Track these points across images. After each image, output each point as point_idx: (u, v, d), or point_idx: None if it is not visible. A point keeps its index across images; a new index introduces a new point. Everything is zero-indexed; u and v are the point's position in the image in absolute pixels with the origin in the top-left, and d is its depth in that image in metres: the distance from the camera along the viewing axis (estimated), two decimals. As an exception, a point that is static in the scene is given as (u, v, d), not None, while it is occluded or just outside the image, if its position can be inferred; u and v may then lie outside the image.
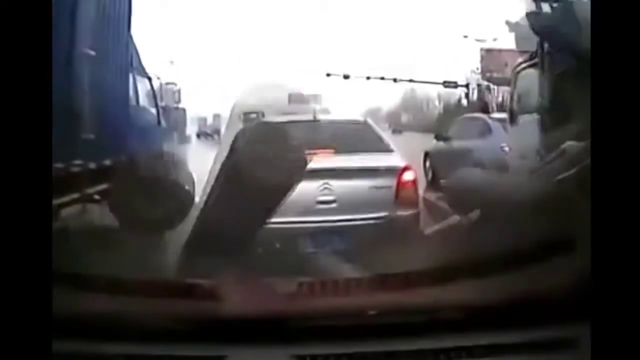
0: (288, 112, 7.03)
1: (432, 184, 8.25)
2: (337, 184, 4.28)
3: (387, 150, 4.96)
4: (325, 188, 4.25)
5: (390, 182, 4.41)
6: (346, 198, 4.26)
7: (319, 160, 4.01)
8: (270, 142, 2.82)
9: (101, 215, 7.54)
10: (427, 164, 9.18)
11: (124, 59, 8.35)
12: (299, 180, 2.79)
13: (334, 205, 4.24)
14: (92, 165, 6.82)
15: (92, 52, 6.65)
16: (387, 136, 5.52)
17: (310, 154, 3.17)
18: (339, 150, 4.57)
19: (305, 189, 3.52)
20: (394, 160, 4.69)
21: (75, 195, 6.30)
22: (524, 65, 7.07)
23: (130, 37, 8.72)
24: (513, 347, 1.61)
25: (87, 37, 6.63)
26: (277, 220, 2.93)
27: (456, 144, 8.47)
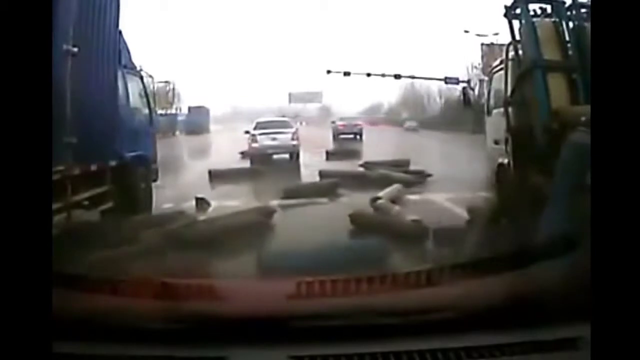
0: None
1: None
2: (278, 135, 18.00)
3: (292, 127, 19.38)
4: (275, 136, 17.93)
5: (291, 135, 18.21)
6: (280, 139, 17.93)
7: (273, 130, 18.28)
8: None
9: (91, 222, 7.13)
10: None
11: (112, 57, 7.72)
12: None
13: (277, 140, 17.85)
14: (76, 171, 6.49)
15: (75, 49, 6.20)
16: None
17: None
18: (278, 127, 18.75)
19: (271, 136, 17.86)
20: (293, 128, 18.98)
21: (56, 204, 5.90)
22: (497, 67, 8.95)
23: (120, 33, 8.14)
24: (513, 347, 1.61)
25: (69, 32, 6.14)
26: (262, 144, 17.73)
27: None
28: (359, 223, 7.82)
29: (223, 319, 1.69)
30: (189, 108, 38.08)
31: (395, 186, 10.74)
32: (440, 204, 9.81)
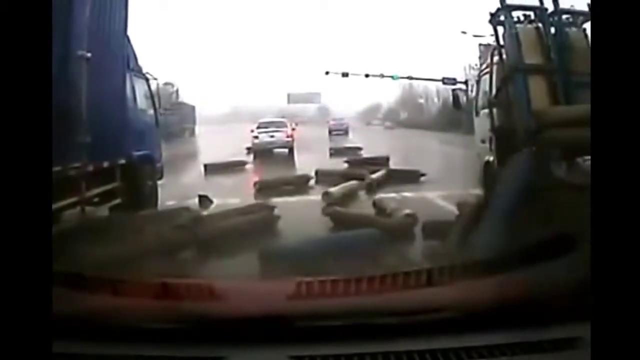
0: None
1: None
2: (275, 133, 22.16)
3: (287, 125, 23.39)
4: (273, 134, 22.13)
5: (286, 133, 22.44)
6: (277, 136, 22.13)
7: (271, 129, 22.45)
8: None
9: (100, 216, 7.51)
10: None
11: (121, 61, 8.15)
12: None
13: (274, 137, 22.03)
14: (90, 168, 6.87)
15: (88, 54, 6.57)
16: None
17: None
18: (276, 126, 22.96)
19: (269, 134, 22.03)
20: (288, 126, 23.18)
21: (72, 199, 6.40)
22: (484, 71, 9.64)
23: (128, 38, 8.58)
24: (513, 347, 1.60)
25: (83, 39, 6.56)
26: (262, 141, 21.87)
27: None
28: (337, 219, 8.19)
29: (223, 319, 1.69)
30: (169, 105, 35.49)
31: (351, 182, 11.21)
32: (433, 201, 10.03)
